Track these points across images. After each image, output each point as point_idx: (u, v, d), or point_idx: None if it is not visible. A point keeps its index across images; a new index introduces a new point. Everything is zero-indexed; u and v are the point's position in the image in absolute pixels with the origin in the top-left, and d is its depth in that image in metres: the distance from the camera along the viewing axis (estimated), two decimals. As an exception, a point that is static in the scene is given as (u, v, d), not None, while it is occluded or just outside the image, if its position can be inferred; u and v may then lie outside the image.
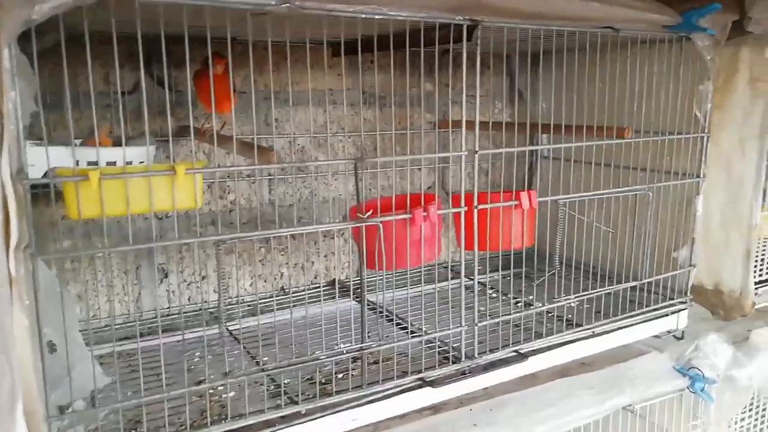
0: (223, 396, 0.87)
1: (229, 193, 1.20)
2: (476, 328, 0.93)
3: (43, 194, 0.86)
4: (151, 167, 0.68)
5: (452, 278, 1.32)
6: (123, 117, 0.70)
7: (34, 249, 0.63)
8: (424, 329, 1.00)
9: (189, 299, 1.19)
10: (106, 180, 0.66)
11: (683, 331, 1.18)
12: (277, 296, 1.22)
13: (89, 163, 0.87)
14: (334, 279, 1.32)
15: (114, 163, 0.91)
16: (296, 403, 0.82)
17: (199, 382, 0.90)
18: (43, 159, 0.74)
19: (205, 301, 1.20)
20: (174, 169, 0.68)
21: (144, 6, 0.65)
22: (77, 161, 0.89)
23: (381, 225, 0.81)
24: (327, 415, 0.82)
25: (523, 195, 0.93)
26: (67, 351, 0.66)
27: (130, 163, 0.93)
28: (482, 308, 1.05)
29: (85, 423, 0.72)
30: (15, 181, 0.61)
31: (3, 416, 0.52)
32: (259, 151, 0.72)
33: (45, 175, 0.80)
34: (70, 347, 0.68)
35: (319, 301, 1.19)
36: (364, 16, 0.77)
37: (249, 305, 1.20)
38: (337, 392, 0.84)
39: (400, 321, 1.08)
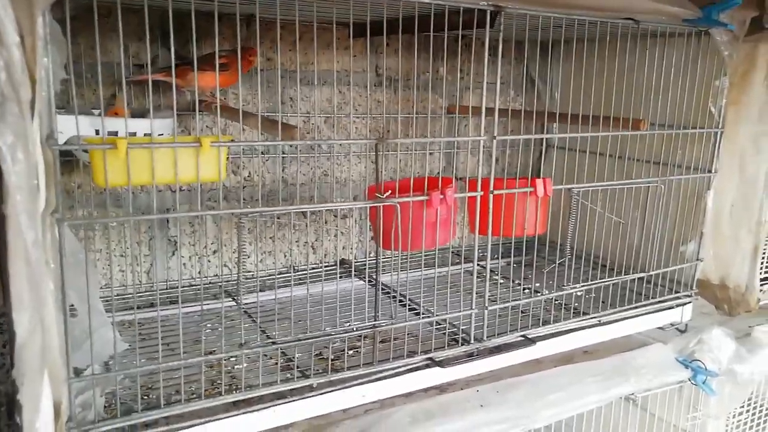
0: (235, 367, 0.89)
1: (243, 168, 1.21)
2: (486, 311, 0.94)
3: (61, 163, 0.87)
4: (178, 139, 0.69)
5: (458, 263, 1.35)
6: (150, 88, 0.70)
7: (61, 214, 0.64)
8: (434, 311, 1.01)
9: (199, 272, 1.20)
10: (132, 149, 0.67)
11: (686, 324, 1.20)
12: (286, 273, 1.24)
13: (110, 134, 0.88)
14: (342, 258, 1.33)
15: (134, 134, 0.92)
16: (308, 377, 0.83)
17: (209, 353, 0.92)
18: (65, 127, 0.75)
19: (215, 275, 1.21)
20: (199, 141, 0.69)
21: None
22: (97, 131, 0.90)
23: (398, 206, 0.82)
24: (337, 389, 0.84)
25: (539, 182, 0.94)
26: (90, 316, 0.67)
27: (150, 135, 0.94)
28: (491, 293, 1.06)
29: (101, 386, 0.74)
30: (45, 147, 0.61)
31: (34, 374, 0.54)
32: (283, 128, 0.73)
33: (65, 143, 0.81)
34: (92, 313, 0.69)
35: (327, 279, 1.21)
36: (390, -3, 0.78)
37: (260, 280, 1.21)
38: (349, 368, 0.85)
39: (409, 302, 1.09)
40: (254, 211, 0.74)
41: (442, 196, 0.85)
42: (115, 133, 0.89)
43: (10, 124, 0.50)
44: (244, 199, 1.21)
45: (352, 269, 1.21)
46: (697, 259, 1.18)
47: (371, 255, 1.36)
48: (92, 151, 0.66)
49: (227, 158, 1.16)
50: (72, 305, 0.69)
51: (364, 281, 1.22)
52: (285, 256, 1.28)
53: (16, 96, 0.50)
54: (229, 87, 1.10)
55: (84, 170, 1.05)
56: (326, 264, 1.31)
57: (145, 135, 0.93)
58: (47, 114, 0.62)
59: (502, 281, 1.27)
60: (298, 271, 1.25)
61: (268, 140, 0.85)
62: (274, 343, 0.83)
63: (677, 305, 1.18)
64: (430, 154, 1.41)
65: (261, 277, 1.22)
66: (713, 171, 1.15)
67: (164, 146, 0.69)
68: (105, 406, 0.75)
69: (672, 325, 1.19)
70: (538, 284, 1.15)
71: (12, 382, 0.78)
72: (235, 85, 1.10)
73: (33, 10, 0.57)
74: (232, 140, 0.72)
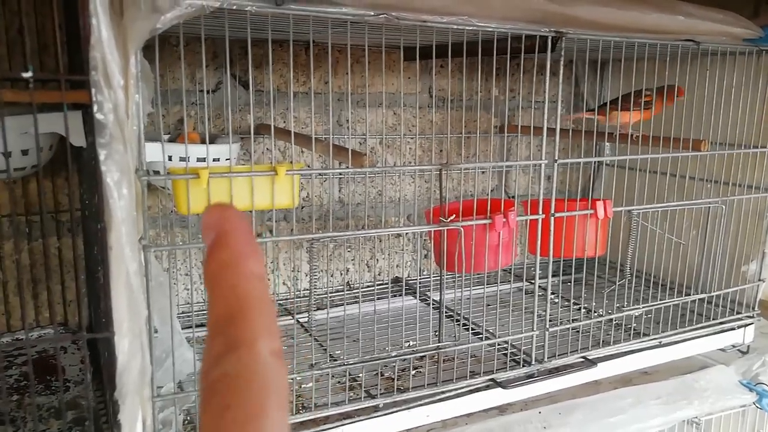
0: (302, 386, 0.91)
1: (302, 190, 1.24)
2: (547, 333, 0.95)
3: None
4: (255, 167, 0.72)
5: (515, 281, 1.35)
6: (230, 114, 0.73)
7: (148, 241, 0.67)
8: (495, 332, 1.02)
9: (259, 291, 1.23)
10: (212, 179, 0.70)
11: (749, 346, 1.18)
12: (342, 291, 1.26)
13: (181, 159, 0.92)
14: (397, 277, 1.35)
15: (203, 160, 0.96)
16: (374, 397, 0.85)
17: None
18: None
19: (275, 293, 1.24)
20: (275, 170, 0.72)
21: (255, 15, 0.69)
22: (170, 156, 0.94)
23: (462, 230, 0.83)
24: (402, 410, 0.86)
25: (599, 204, 0.94)
26: (172, 337, 0.70)
27: (218, 160, 0.98)
28: (551, 314, 1.06)
29: (180, 404, 0.77)
30: (134, 178, 0.65)
31: (133, 394, 0.57)
32: (353, 155, 0.75)
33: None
34: (172, 333, 0.72)
35: (384, 297, 1.23)
36: (455, 26, 0.79)
37: (319, 298, 1.23)
38: (413, 388, 0.87)
39: (466, 322, 1.10)
40: (326, 236, 0.76)
41: (504, 220, 0.86)
42: (186, 159, 0.93)
43: (117, 161, 0.53)
44: (303, 219, 1.24)
45: (417, 291, 1.23)
46: (759, 280, 1.16)
47: (424, 273, 1.38)
48: (175, 181, 0.70)
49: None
50: (154, 327, 0.73)
51: (420, 299, 1.24)
52: (341, 274, 1.31)
53: (121, 134, 0.54)
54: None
55: (154, 193, 1.09)
56: (381, 282, 1.33)
57: (213, 160, 0.97)
58: (136, 147, 0.66)
59: (560, 301, 1.27)
60: (353, 289, 1.28)
61: (339, 167, 0.88)
62: (342, 364, 0.85)
63: (739, 326, 1.16)
64: (483, 173, 1.42)
65: (320, 295, 1.24)
66: (775, 190, 1.13)
67: (242, 175, 0.72)
68: (183, 423, 0.78)
69: (734, 346, 1.17)
70: (597, 304, 1.15)
71: (95, 398, 0.82)
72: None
73: (127, 50, 0.61)
74: (306, 168, 0.75)
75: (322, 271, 1.28)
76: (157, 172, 0.85)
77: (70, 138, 0.80)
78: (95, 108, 0.52)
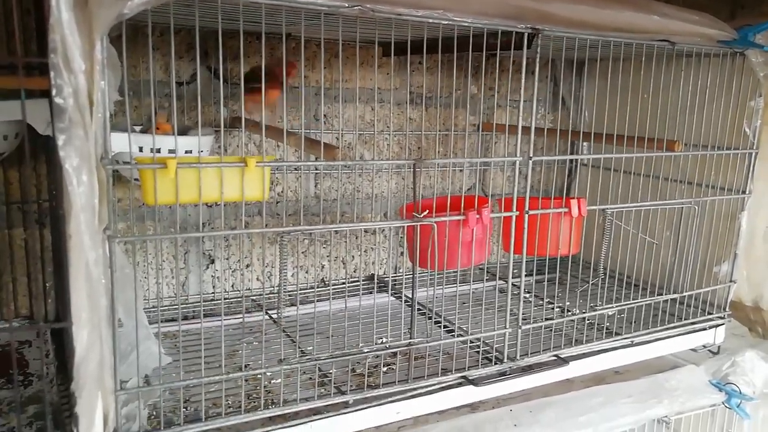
0: (272, 382, 0.90)
1: (276, 185, 1.23)
2: (519, 331, 0.95)
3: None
4: (224, 159, 0.71)
5: (489, 279, 1.35)
6: (200, 105, 0.72)
7: (113, 231, 0.66)
8: (468, 329, 1.01)
9: (232, 285, 1.22)
10: (180, 169, 0.69)
11: (719, 346, 1.19)
12: (318, 288, 1.25)
13: (157, 151, 0.90)
14: (372, 274, 1.34)
15: (174, 151, 0.94)
16: (344, 393, 0.84)
17: (241, 368, 0.93)
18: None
19: (248, 288, 1.23)
20: (245, 161, 0.71)
21: (227, 4, 0.68)
22: (141, 147, 0.92)
23: (435, 225, 0.83)
24: (372, 406, 0.85)
25: (573, 202, 0.94)
26: (137, 330, 0.68)
27: (190, 151, 0.96)
28: (523, 312, 1.06)
29: (145, 398, 0.75)
30: (99, 166, 0.63)
31: (91, 386, 0.55)
32: (325, 148, 0.74)
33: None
34: (137, 326, 0.71)
35: (357, 294, 1.22)
36: (431, 20, 0.79)
37: (293, 295, 1.22)
38: (383, 385, 0.86)
39: (439, 319, 1.10)
40: (297, 229, 0.75)
41: (478, 216, 0.85)
42: (158, 150, 0.91)
43: (77, 147, 0.52)
44: (278, 214, 1.23)
45: (389, 287, 1.22)
46: (731, 281, 1.17)
47: (400, 270, 1.37)
48: (142, 171, 0.68)
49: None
50: (119, 319, 0.71)
51: (395, 296, 1.24)
52: (317, 270, 1.30)
53: (81, 120, 0.52)
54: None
55: (125, 185, 1.07)
56: (357, 279, 1.32)
57: (185, 152, 0.96)
58: (102, 134, 0.64)
59: (534, 300, 1.27)
60: (328, 286, 1.27)
61: (311, 160, 0.87)
62: (312, 359, 0.84)
63: (710, 327, 1.17)
64: (460, 171, 1.41)
65: (294, 291, 1.23)
66: (747, 192, 1.14)
67: (211, 166, 0.70)
68: (147, 418, 0.77)
69: (704, 346, 1.18)
70: (569, 303, 1.15)
71: (59, 392, 0.80)
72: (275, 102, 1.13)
73: (92, 36, 0.60)
74: (276, 160, 0.74)
75: (298, 267, 1.27)
76: (127, 163, 0.83)
77: (34, 125, 0.78)
78: (54, 92, 0.50)
